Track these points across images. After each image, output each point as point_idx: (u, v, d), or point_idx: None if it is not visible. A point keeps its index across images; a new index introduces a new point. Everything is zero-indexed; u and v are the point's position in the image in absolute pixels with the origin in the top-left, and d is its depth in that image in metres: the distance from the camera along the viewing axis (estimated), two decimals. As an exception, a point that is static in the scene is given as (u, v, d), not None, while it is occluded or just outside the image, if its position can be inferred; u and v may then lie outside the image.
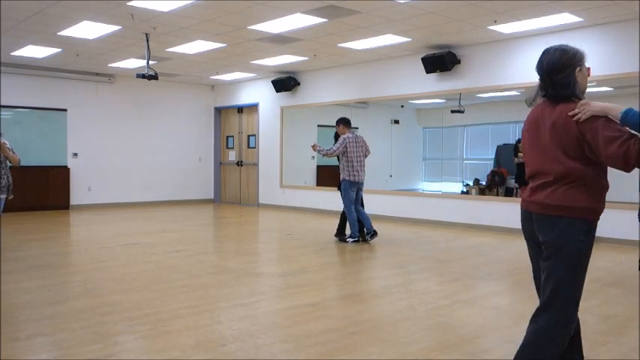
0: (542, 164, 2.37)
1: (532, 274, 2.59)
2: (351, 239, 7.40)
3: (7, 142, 5.91)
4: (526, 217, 2.48)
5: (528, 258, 2.59)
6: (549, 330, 2.33)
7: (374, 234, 7.43)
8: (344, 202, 7.46)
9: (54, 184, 11.59)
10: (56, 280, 5.15)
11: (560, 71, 2.34)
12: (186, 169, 13.80)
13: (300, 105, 12.04)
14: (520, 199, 2.56)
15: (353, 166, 7.35)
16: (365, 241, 7.44)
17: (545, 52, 2.42)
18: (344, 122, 7.56)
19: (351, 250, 6.95)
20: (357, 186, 7.46)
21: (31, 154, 11.25)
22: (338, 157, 7.55)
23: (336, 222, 7.78)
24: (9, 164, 5.93)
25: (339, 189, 7.55)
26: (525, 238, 2.56)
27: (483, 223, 8.85)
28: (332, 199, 11.23)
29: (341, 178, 7.45)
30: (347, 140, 7.36)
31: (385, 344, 3.38)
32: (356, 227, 7.39)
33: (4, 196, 5.87)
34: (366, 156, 7.62)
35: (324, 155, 7.53)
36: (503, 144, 10.40)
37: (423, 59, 9.21)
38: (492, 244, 7.50)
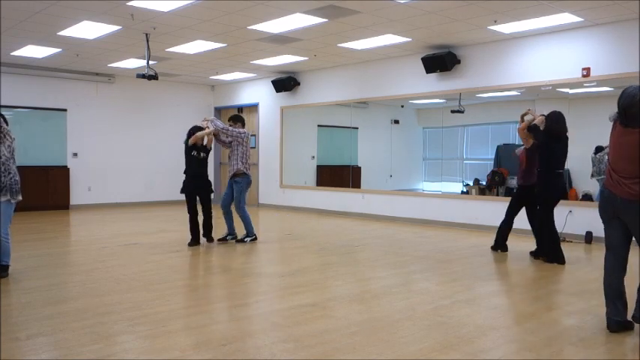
0: (628, 167, 3.45)
1: (606, 240, 3.74)
2: (248, 238, 7.37)
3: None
4: (612, 197, 3.56)
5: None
6: None
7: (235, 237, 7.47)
8: (240, 200, 7.29)
9: (54, 184, 11.59)
10: (56, 280, 5.15)
11: (631, 108, 3.41)
12: (186, 169, 13.78)
13: (300, 105, 12.04)
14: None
15: (248, 160, 7.33)
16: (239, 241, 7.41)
17: (623, 94, 3.46)
18: (242, 122, 7.53)
19: (350, 251, 6.95)
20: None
21: (31, 154, 11.26)
22: (229, 147, 7.36)
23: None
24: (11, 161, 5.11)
25: (237, 186, 7.31)
26: (608, 217, 3.63)
27: (483, 223, 8.85)
28: (332, 199, 11.23)
29: (233, 171, 7.20)
30: (245, 134, 7.34)
31: (385, 344, 3.38)
32: (251, 225, 7.37)
33: (5, 199, 5.02)
34: None
35: (215, 131, 7.16)
36: (504, 144, 10.37)
37: (423, 59, 9.21)
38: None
